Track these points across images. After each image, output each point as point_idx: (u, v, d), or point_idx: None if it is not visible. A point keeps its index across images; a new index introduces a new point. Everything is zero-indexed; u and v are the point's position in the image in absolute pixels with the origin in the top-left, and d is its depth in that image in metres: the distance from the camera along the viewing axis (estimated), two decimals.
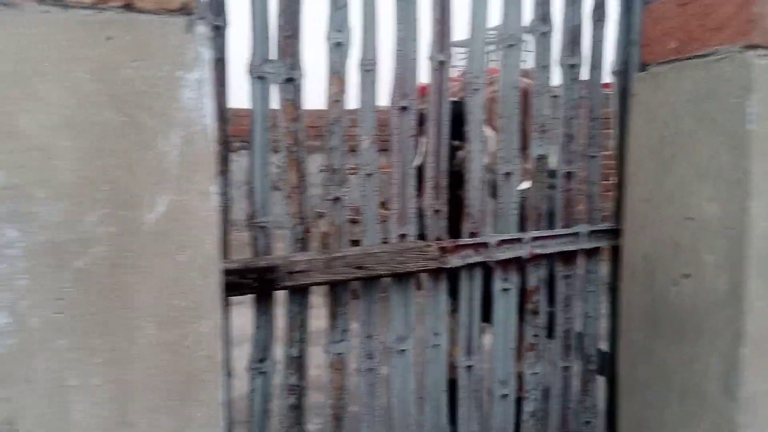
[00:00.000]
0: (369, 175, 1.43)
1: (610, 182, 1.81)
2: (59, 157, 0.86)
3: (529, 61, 1.65)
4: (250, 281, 1.30)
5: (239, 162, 1.61)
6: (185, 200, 0.97)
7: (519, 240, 1.64)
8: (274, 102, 1.30)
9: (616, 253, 1.80)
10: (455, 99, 1.55)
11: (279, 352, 1.40)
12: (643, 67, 1.63)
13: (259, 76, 1.28)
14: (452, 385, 1.65)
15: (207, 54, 0.97)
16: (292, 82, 1.31)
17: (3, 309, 0.86)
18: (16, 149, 0.83)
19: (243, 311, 1.39)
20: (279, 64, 1.29)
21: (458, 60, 1.51)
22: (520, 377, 1.75)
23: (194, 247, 1.00)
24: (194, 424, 1.02)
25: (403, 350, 1.55)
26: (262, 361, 1.39)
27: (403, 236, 1.50)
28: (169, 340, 1.00)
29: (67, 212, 0.87)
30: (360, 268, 1.41)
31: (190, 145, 0.96)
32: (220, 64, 1.22)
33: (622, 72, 1.72)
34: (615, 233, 1.77)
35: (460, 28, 1.48)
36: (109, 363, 0.94)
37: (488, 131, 1.64)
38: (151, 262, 0.96)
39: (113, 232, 0.91)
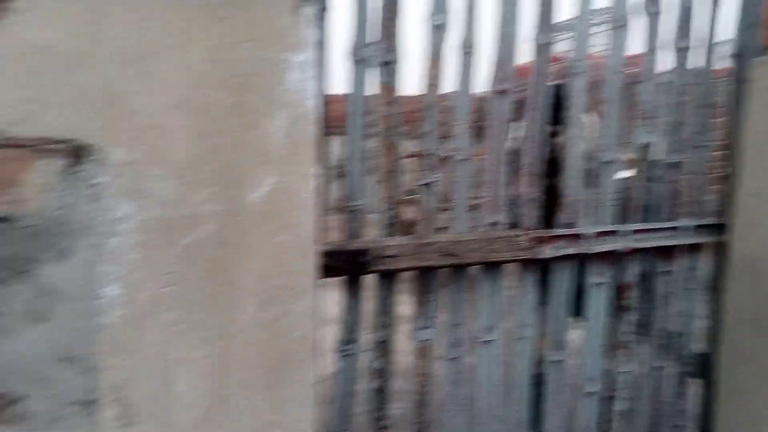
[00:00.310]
0: (462, 160, 1.40)
1: (717, 174, 1.70)
2: (172, 136, 0.88)
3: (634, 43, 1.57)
4: (341, 264, 1.30)
5: (332, 146, 1.62)
6: (287, 181, 0.98)
7: (616, 232, 1.57)
8: (372, 85, 1.29)
9: (720, 250, 1.69)
10: (555, 82, 1.49)
11: (365, 336, 1.41)
12: (765, 50, 1.52)
13: (358, 59, 1.27)
14: (538, 380, 1.61)
15: (313, 36, 0.97)
16: (390, 65, 1.29)
17: (116, 281, 0.89)
18: (133, 127, 0.86)
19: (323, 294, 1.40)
20: (378, 47, 1.28)
21: (561, 42, 1.45)
22: (609, 375, 1.69)
23: (294, 228, 1.00)
24: (288, 402, 1.04)
25: (490, 341, 1.52)
26: (349, 343, 1.39)
27: (494, 224, 1.47)
28: (267, 318, 1.01)
29: (177, 190, 0.89)
30: (450, 255, 1.39)
31: (294, 127, 0.96)
32: (320, 48, 1.21)
33: (740, 56, 1.60)
34: (720, 229, 1.67)
35: (563, 9, 1.42)
36: (210, 338, 0.96)
37: (588, 117, 1.57)
38: (253, 242, 0.97)
39: (219, 210, 0.93)
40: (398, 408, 1.48)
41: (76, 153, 0.85)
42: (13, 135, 0.83)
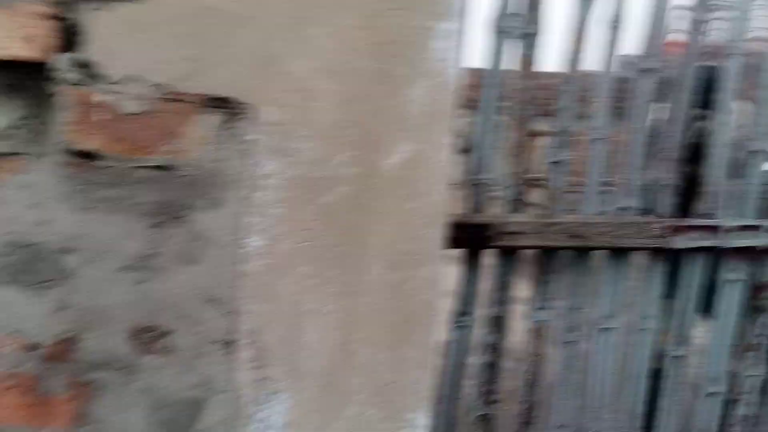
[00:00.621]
0: (597, 140, 1.36)
1: None
2: (319, 99, 0.92)
3: None
4: (462, 236, 1.31)
5: (461, 118, 1.62)
6: (422, 149, 0.99)
7: (758, 228, 1.46)
8: (509, 58, 1.27)
9: None
10: (707, 63, 1.40)
11: (480, 310, 1.42)
12: None
13: (498, 30, 1.25)
14: (656, 374, 1.55)
15: (458, 5, 0.97)
16: (531, 38, 1.26)
17: (260, 233, 0.95)
18: (285, 89, 0.90)
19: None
20: (520, 18, 1.25)
21: (717, 20, 1.36)
22: (735, 377, 1.59)
23: (424, 196, 1.02)
24: (407, 363, 1.07)
25: (609, 329, 1.47)
26: (463, 315, 1.41)
27: (625, 209, 1.41)
28: (393, 281, 1.04)
29: (320, 151, 0.94)
30: (575, 236, 1.36)
31: (433, 96, 0.97)
32: (462, 17, 1.21)
33: None
34: None
35: None
36: (340, 294, 1.01)
37: (740, 102, 1.47)
38: (384, 206, 1.00)
39: (356, 173, 0.96)
40: (508, 385, 1.48)
41: (232, 110, 0.92)
42: (178, 90, 0.90)
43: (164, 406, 1.02)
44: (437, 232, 1.06)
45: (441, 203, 1.04)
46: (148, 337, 1.00)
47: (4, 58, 0.89)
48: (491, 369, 1.45)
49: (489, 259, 1.39)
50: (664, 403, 1.55)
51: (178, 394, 1.02)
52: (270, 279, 0.97)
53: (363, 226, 0.99)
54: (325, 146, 0.94)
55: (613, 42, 1.31)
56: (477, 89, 1.28)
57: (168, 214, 0.96)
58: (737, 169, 1.45)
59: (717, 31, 1.39)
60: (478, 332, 1.43)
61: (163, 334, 1.00)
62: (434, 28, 0.96)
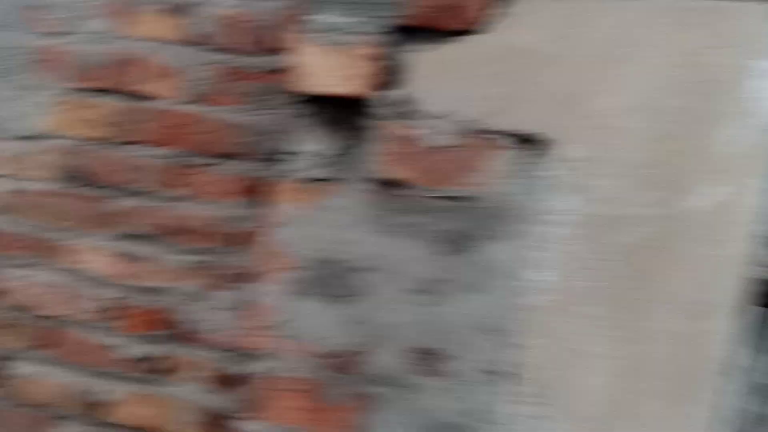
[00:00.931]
0: None
1: None
2: (626, 138, 0.91)
3: None
4: (753, 290, 1.19)
5: None
6: (730, 193, 0.93)
7: None
8: None
9: None
10: None
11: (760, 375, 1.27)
12: None
13: None
14: None
15: None
16: None
17: (549, 269, 0.96)
18: (591, 127, 0.91)
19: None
20: None
21: None
22: None
23: (727, 243, 0.95)
24: (690, 422, 0.99)
25: None
26: (741, 377, 1.27)
27: None
28: (680, 331, 0.98)
29: (621, 189, 0.92)
30: None
31: (747, 137, 0.91)
32: None
33: None
34: None
35: None
36: (626, 340, 0.97)
37: None
38: (683, 250, 0.95)
39: (657, 214, 0.93)
40: None
41: (534, 146, 0.94)
42: (486, 126, 0.95)
43: (431, 428, 1.06)
44: (736, 284, 0.98)
45: (744, 252, 0.96)
46: (427, 359, 1.05)
47: (332, 95, 1.01)
48: None
49: None
50: None
51: (446, 418, 1.05)
52: (555, 316, 0.97)
53: (658, 270, 0.95)
54: (626, 185, 0.92)
55: None
56: None
57: (459, 242, 1.00)
58: None
59: None
60: (756, 399, 1.28)
61: (441, 358, 1.04)
62: (751, 66, 0.90)
